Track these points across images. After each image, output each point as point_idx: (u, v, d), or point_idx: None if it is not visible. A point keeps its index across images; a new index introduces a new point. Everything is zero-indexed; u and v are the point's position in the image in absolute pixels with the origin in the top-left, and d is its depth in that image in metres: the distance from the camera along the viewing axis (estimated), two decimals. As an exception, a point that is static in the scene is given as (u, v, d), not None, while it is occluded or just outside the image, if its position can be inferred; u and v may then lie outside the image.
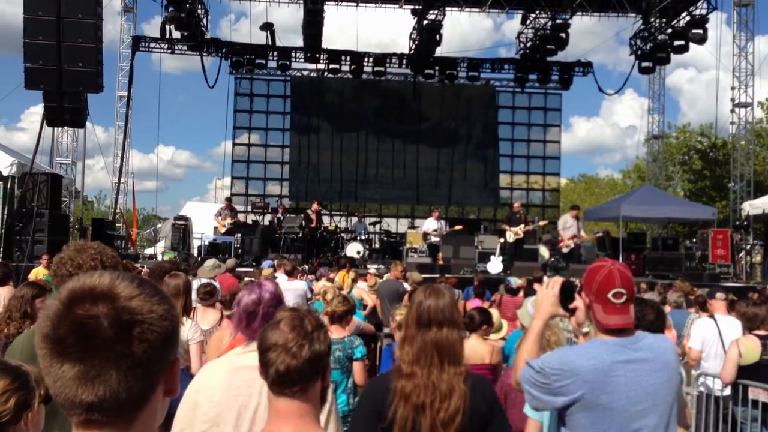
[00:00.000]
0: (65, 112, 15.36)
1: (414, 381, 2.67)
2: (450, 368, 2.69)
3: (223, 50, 24.82)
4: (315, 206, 19.06)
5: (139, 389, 1.12)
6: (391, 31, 68.21)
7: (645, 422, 2.50)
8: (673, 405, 2.61)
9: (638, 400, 2.49)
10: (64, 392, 1.09)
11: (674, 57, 22.01)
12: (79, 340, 1.08)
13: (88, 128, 19.79)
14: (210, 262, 9.04)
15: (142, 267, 11.27)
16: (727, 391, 6.11)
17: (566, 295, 2.74)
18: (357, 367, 4.84)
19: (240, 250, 18.03)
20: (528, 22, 23.88)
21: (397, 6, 23.66)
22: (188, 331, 4.87)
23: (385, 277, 11.14)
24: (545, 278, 9.75)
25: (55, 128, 19.31)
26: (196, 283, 6.53)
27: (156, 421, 1.22)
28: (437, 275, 13.14)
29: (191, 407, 2.57)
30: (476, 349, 5.00)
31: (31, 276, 11.72)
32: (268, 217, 21.67)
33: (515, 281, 10.37)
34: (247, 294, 2.90)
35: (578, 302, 2.70)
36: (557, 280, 2.75)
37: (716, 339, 6.56)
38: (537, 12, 23.01)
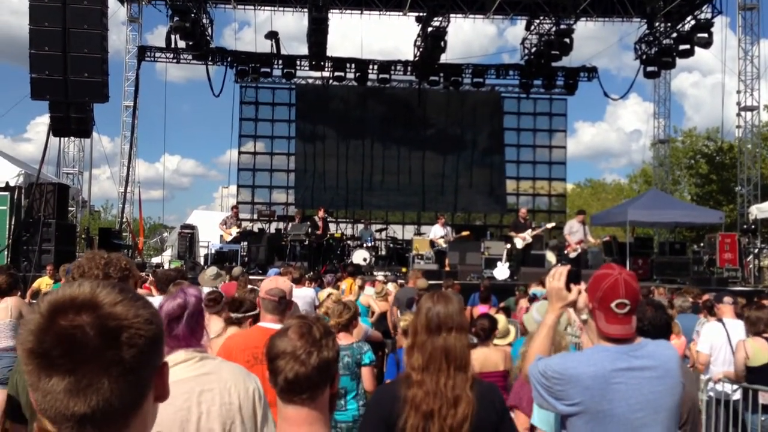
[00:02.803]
0: (71, 122, 15.41)
1: (423, 389, 2.64)
2: (457, 375, 2.66)
3: (228, 59, 24.91)
4: (321, 213, 19.05)
5: (131, 396, 1.10)
6: (395, 38, 68.35)
7: (646, 431, 2.49)
8: (676, 413, 2.59)
9: (639, 407, 2.48)
10: (54, 406, 1.06)
11: (678, 61, 21.97)
12: (66, 352, 1.04)
13: (94, 138, 19.97)
14: (211, 271, 8.77)
15: (147, 275, 11.25)
16: (737, 396, 6.08)
17: (572, 282, 2.75)
18: (366, 373, 4.82)
19: (246, 258, 18.04)
20: (532, 27, 23.87)
21: (401, 13, 23.71)
22: None
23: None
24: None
25: (62, 138, 19.38)
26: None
27: (147, 428, 1.19)
28: (442, 281, 13.11)
29: None
30: (490, 356, 4.99)
31: (35, 286, 11.75)
32: (274, 225, 21.62)
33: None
34: (171, 300, 2.74)
35: (583, 286, 2.71)
36: (562, 271, 2.75)
37: (725, 343, 6.52)
38: (541, 18, 23.01)
